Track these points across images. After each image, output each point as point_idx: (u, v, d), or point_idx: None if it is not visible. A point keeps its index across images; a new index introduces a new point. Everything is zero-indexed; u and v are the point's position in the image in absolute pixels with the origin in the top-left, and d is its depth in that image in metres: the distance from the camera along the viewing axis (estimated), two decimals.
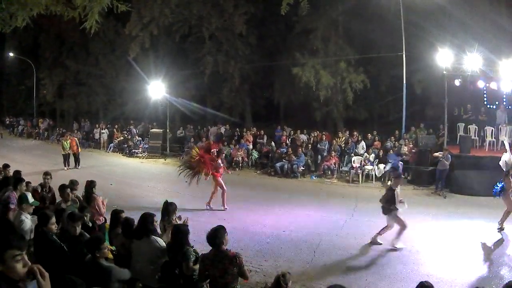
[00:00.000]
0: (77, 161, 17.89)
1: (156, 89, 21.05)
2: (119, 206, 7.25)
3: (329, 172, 16.19)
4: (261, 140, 19.56)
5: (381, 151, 16.29)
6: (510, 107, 15.56)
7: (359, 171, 15.45)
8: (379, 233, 8.28)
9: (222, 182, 11.14)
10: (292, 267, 7.02)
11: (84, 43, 26.99)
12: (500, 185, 9.18)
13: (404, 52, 16.81)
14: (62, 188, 6.79)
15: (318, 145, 17.87)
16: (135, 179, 15.73)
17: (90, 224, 6.11)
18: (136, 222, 5.08)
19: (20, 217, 5.57)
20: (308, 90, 19.44)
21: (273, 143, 18.76)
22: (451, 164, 13.23)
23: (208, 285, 4.52)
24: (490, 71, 13.41)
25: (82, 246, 4.41)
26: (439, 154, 13.45)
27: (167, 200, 6.37)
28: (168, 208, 6.17)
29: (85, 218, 5.69)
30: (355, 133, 18.43)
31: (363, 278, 6.83)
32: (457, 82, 14.82)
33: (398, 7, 16.29)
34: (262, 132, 20.26)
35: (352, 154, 16.56)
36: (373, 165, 15.53)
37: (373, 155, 15.97)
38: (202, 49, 22.37)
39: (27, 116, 33.68)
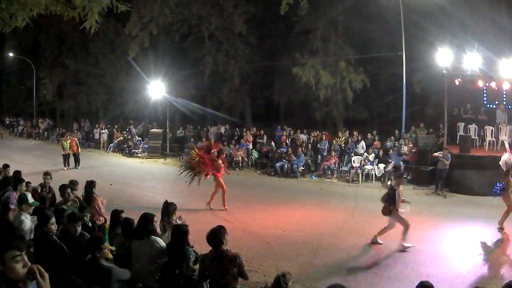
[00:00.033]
0: (77, 161, 17.88)
1: (156, 89, 21.05)
2: (119, 206, 7.25)
3: (329, 172, 16.19)
4: (261, 140, 19.56)
5: (381, 150, 16.30)
6: (510, 106, 15.56)
7: (359, 171, 15.45)
8: (380, 233, 8.26)
9: (223, 183, 11.14)
10: (292, 267, 7.01)
11: (84, 43, 26.97)
12: (500, 185, 9.19)
13: (404, 52, 16.82)
14: (63, 188, 6.78)
15: (318, 145, 17.87)
16: (135, 179, 15.73)
17: (90, 224, 6.10)
18: (136, 222, 5.08)
19: (20, 217, 5.56)
20: (308, 90, 19.44)
21: (273, 143, 18.76)
22: (451, 163, 13.23)
23: (208, 285, 4.52)
24: (490, 71, 13.40)
25: (82, 246, 4.41)
26: (439, 153, 13.46)
27: (167, 200, 6.38)
28: (168, 208, 6.17)
29: (85, 218, 5.68)
30: (355, 132, 18.43)
31: (363, 278, 6.84)
32: (457, 82, 14.82)
33: (398, 6, 16.28)
34: (262, 132, 20.26)
35: (352, 154, 16.56)
36: (373, 165, 15.53)
37: (373, 154, 15.97)
38: (201, 49, 22.36)
39: (27, 116, 33.68)
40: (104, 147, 23.67)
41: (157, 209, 6.34)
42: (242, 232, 9.08)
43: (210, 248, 4.37)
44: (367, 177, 15.45)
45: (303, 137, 19.09)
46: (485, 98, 16.34)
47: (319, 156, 17.36)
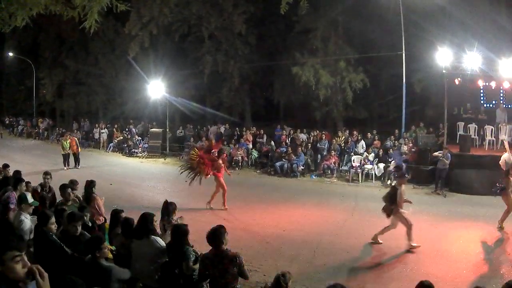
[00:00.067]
0: (77, 161, 17.88)
1: (156, 89, 21.05)
2: (119, 205, 7.26)
3: (329, 172, 16.19)
4: (260, 140, 19.56)
5: (381, 150, 16.29)
6: (510, 106, 15.57)
7: (359, 170, 15.45)
8: (381, 232, 8.25)
9: (224, 182, 11.14)
10: (292, 266, 7.02)
11: (83, 43, 26.97)
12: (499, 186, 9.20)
13: (403, 52, 16.84)
14: (63, 187, 6.78)
15: (318, 145, 17.87)
16: (134, 178, 15.72)
17: (90, 224, 6.11)
18: (136, 221, 5.08)
19: (20, 217, 5.56)
20: (308, 90, 19.44)
21: (272, 143, 18.76)
22: (451, 163, 13.23)
23: (208, 285, 4.52)
24: (490, 70, 13.40)
25: (82, 246, 4.41)
26: (439, 153, 13.46)
27: (167, 200, 6.37)
28: (168, 208, 6.17)
29: (85, 218, 5.68)
30: (355, 132, 18.43)
31: (363, 278, 6.84)
32: (456, 81, 14.82)
33: (398, 7, 16.29)
34: (262, 131, 20.26)
35: (352, 154, 16.56)
36: (372, 164, 15.54)
37: (372, 154, 15.97)
38: (201, 48, 22.37)
39: (26, 116, 33.66)
40: (104, 147, 23.67)
41: (157, 208, 6.34)
42: (242, 231, 9.08)
43: (210, 247, 4.38)
44: (367, 176, 15.45)
45: (303, 136, 19.09)
46: (482, 98, 16.38)
47: (319, 156, 17.35)
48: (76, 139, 18.91)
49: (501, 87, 14.83)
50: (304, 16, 17.17)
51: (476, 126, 15.49)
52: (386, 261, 7.56)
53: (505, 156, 11.07)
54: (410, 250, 7.86)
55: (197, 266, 4.52)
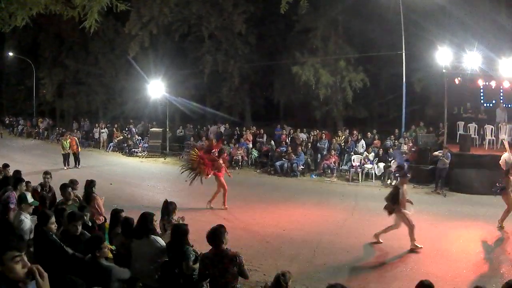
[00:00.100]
0: (77, 160, 17.88)
1: (156, 88, 21.04)
2: (119, 205, 7.25)
3: (329, 171, 16.18)
4: (260, 139, 19.56)
5: (381, 149, 16.29)
6: (510, 105, 15.56)
7: (359, 169, 15.45)
8: (384, 231, 8.21)
9: (224, 182, 11.14)
10: (292, 266, 7.02)
11: (83, 43, 26.98)
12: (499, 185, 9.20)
13: (403, 51, 16.83)
14: (64, 187, 6.78)
15: (318, 144, 17.86)
16: (134, 178, 15.73)
17: (90, 224, 6.11)
18: (135, 221, 5.08)
19: (20, 217, 5.56)
20: (308, 89, 19.43)
21: (272, 142, 18.76)
22: (451, 162, 13.23)
23: (208, 284, 4.53)
24: (490, 70, 13.40)
25: (82, 246, 4.41)
26: (439, 152, 13.46)
27: (167, 199, 6.37)
28: (168, 208, 6.17)
29: (85, 217, 5.69)
30: (355, 132, 18.43)
31: (363, 277, 6.84)
32: (456, 81, 14.82)
33: (398, 6, 16.28)
34: (262, 131, 20.25)
35: (352, 153, 16.56)
36: (372, 164, 15.54)
37: (372, 153, 15.97)
38: (201, 48, 22.37)
39: (26, 115, 33.67)
40: (104, 147, 23.67)
41: (157, 208, 6.34)
42: (242, 231, 9.08)
43: (210, 247, 4.38)
44: (367, 176, 15.46)
45: (303, 136, 19.09)
46: (482, 97, 16.37)
47: (319, 155, 17.35)
48: (76, 138, 18.91)
49: (501, 87, 14.81)
50: (304, 15, 17.17)
51: (476, 126, 15.48)
52: (386, 260, 7.56)
53: (505, 155, 11.07)
54: (414, 250, 7.85)
55: (197, 265, 4.52)
